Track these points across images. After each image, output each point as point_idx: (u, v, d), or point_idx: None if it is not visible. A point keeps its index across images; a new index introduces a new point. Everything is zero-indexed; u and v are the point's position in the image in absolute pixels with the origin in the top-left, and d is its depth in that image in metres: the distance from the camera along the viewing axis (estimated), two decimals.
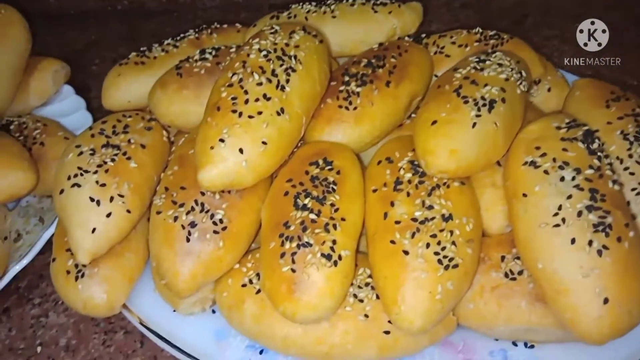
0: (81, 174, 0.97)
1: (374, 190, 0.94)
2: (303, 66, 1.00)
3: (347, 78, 1.08)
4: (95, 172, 0.97)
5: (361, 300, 0.88)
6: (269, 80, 0.95)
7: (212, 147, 0.89)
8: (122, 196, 0.96)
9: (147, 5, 2.04)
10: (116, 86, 1.21)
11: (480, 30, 1.23)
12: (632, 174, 0.93)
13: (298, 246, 0.85)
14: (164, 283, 0.92)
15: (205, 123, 0.93)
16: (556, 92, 1.22)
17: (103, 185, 0.95)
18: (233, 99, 0.93)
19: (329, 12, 1.23)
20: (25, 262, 1.10)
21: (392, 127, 1.09)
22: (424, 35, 1.28)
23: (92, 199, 0.94)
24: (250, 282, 0.92)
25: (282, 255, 0.85)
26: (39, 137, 1.23)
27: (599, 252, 0.79)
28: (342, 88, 1.06)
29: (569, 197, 0.83)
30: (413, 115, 1.13)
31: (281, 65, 0.98)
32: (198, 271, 0.90)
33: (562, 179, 0.85)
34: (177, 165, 1.00)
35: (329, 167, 0.96)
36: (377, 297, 0.88)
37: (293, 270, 0.84)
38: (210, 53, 1.15)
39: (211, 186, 0.90)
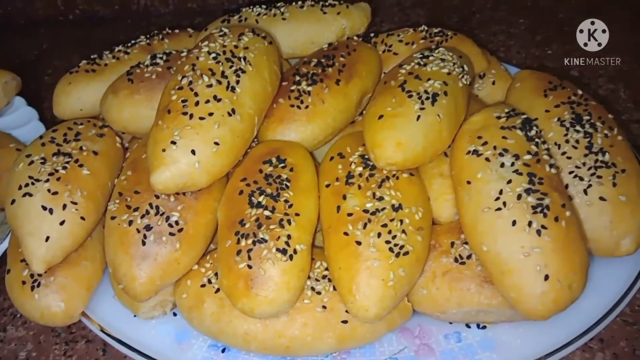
0: (32, 183, 0.96)
1: (327, 185, 0.97)
2: (253, 67, 1.02)
3: (297, 78, 1.10)
4: (47, 180, 0.96)
5: (319, 293, 0.91)
6: (219, 82, 0.97)
7: (163, 150, 0.90)
8: (75, 203, 0.95)
9: (100, 13, 2.02)
10: (67, 95, 1.20)
11: (426, 28, 1.27)
12: (569, 157, 0.98)
13: (254, 242, 0.87)
14: (121, 288, 0.92)
15: (157, 126, 0.94)
16: (500, 85, 1.27)
17: (55, 193, 0.95)
18: (183, 101, 0.94)
19: (279, 14, 1.25)
20: None
21: (344, 124, 1.12)
22: (372, 34, 1.31)
23: (44, 208, 0.93)
24: (209, 282, 0.93)
25: (238, 252, 0.87)
26: None
27: (538, 232, 0.84)
28: (293, 88, 1.08)
29: (509, 181, 0.88)
30: (364, 112, 1.16)
31: (231, 67, 0.99)
32: (155, 274, 0.90)
33: (502, 165, 0.90)
34: (130, 170, 1.00)
35: (282, 164, 0.98)
36: (334, 288, 0.90)
37: (249, 267, 0.85)
38: (161, 58, 1.16)
39: (164, 189, 0.91)
